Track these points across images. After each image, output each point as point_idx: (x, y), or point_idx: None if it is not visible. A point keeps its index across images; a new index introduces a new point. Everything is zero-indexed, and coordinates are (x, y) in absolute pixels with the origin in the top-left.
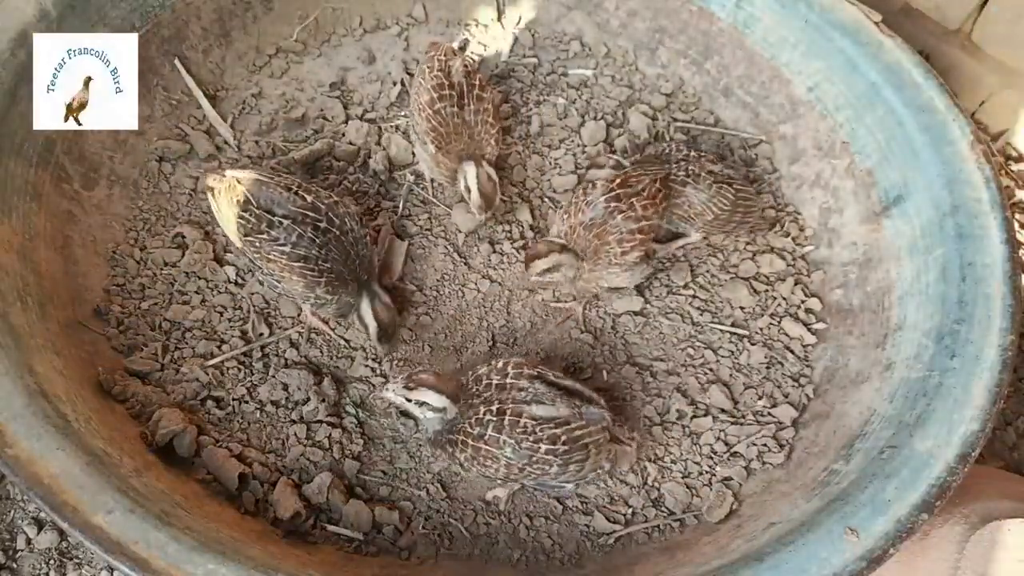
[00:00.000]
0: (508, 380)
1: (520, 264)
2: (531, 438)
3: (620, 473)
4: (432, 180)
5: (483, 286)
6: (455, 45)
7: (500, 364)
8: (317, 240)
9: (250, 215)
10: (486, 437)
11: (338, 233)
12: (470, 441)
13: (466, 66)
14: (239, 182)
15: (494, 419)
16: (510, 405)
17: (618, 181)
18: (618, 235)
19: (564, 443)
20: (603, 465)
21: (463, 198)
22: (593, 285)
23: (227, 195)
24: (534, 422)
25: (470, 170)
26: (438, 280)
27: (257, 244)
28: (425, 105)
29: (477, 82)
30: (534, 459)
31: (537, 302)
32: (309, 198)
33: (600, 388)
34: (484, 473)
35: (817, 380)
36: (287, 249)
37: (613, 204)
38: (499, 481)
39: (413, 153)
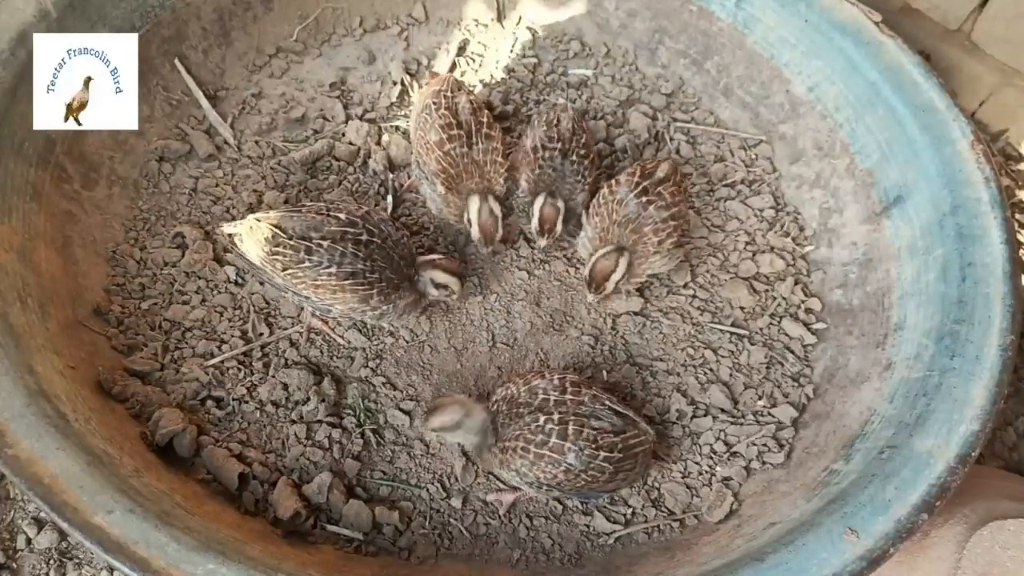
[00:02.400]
0: (567, 397)
1: (522, 271)
2: (592, 446)
3: None
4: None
5: (483, 287)
6: (456, 75)
7: (556, 379)
8: (360, 253)
9: (284, 248)
10: (550, 444)
11: (379, 242)
12: (532, 448)
13: (472, 103)
14: (259, 220)
15: (556, 427)
16: (571, 417)
17: (639, 173)
18: (653, 225)
19: (620, 451)
20: (642, 477)
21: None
22: (640, 276)
23: (252, 237)
24: (595, 431)
25: (472, 204)
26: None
27: (300, 274)
28: (434, 146)
29: (485, 119)
30: (591, 466)
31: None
32: (343, 215)
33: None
34: (538, 479)
35: (817, 380)
36: (333, 270)
37: (644, 198)
38: (547, 487)
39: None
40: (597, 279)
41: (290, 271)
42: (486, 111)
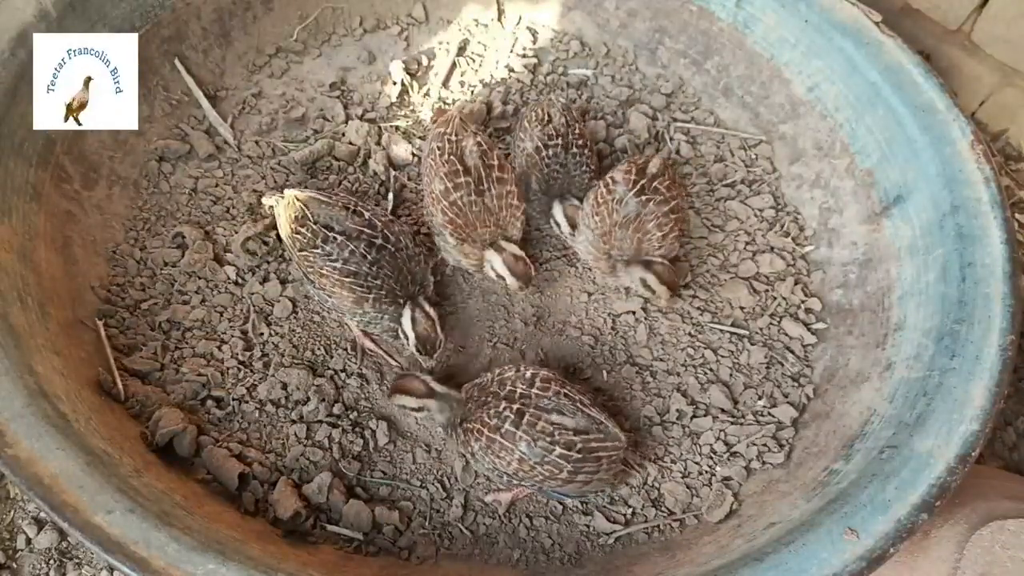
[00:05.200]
0: (534, 391)
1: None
2: (548, 439)
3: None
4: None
5: (483, 286)
6: (461, 114)
7: (528, 373)
8: (368, 257)
9: (306, 230)
10: (503, 430)
11: (393, 250)
12: (486, 431)
13: (479, 144)
14: (297, 199)
15: (512, 416)
16: (531, 409)
17: (634, 171)
18: (656, 221)
19: (579, 451)
20: (608, 485)
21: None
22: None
23: (287, 211)
24: (552, 426)
25: (496, 260)
26: (438, 280)
27: (311, 259)
28: (440, 196)
29: (496, 162)
30: (546, 459)
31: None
32: (366, 215)
33: (600, 388)
34: (496, 465)
35: (817, 380)
36: (338, 264)
37: (643, 196)
38: (507, 476)
39: (414, 154)
40: (673, 287)
41: (304, 252)
42: (496, 151)
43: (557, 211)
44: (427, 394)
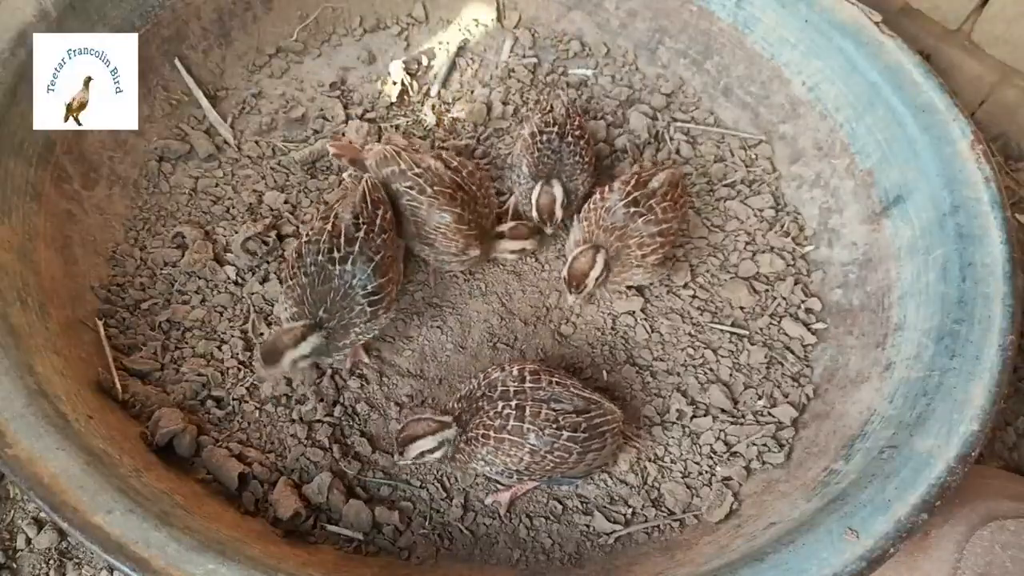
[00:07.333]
0: (526, 385)
1: (522, 272)
2: (554, 426)
3: (620, 473)
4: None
5: (483, 286)
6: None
7: (515, 370)
8: (320, 258)
9: (373, 192)
10: (509, 427)
11: (337, 278)
12: (492, 434)
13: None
14: (367, 180)
15: (514, 411)
16: (530, 403)
17: (633, 183)
18: (639, 239)
19: (584, 431)
20: (612, 457)
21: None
22: (619, 284)
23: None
24: (555, 413)
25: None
26: (438, 281)
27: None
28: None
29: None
30: (556, 446)
31: (535, 302)
32: (376, 237)
33: (600, 388)
34: (507, 464)
35: (817, 380)
36: (308, 235)
37: (632, 209)
38: (517, 473)
39: None
40: (576, 278)
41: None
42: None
43: (533, 194)
44: (441, 426)
